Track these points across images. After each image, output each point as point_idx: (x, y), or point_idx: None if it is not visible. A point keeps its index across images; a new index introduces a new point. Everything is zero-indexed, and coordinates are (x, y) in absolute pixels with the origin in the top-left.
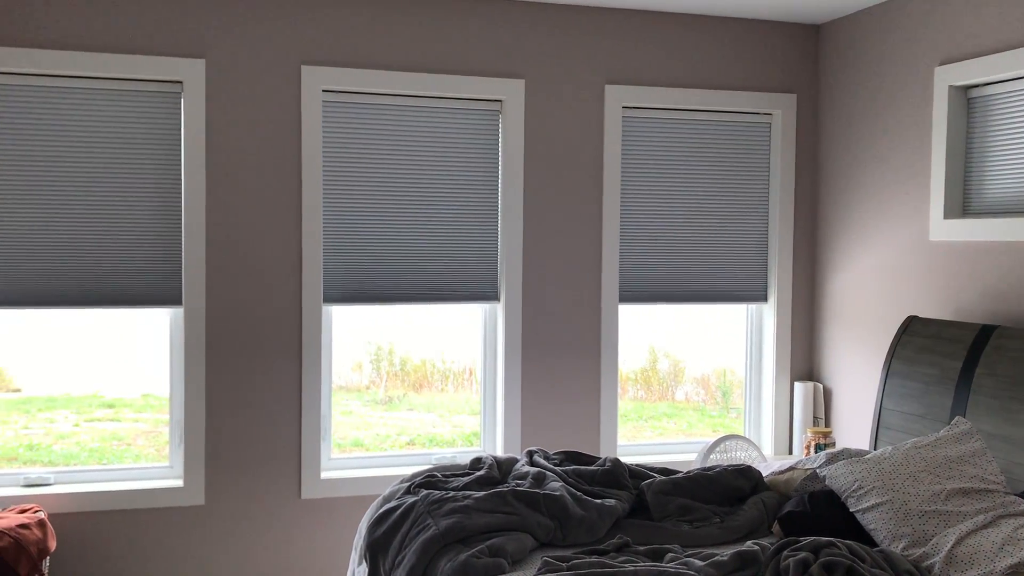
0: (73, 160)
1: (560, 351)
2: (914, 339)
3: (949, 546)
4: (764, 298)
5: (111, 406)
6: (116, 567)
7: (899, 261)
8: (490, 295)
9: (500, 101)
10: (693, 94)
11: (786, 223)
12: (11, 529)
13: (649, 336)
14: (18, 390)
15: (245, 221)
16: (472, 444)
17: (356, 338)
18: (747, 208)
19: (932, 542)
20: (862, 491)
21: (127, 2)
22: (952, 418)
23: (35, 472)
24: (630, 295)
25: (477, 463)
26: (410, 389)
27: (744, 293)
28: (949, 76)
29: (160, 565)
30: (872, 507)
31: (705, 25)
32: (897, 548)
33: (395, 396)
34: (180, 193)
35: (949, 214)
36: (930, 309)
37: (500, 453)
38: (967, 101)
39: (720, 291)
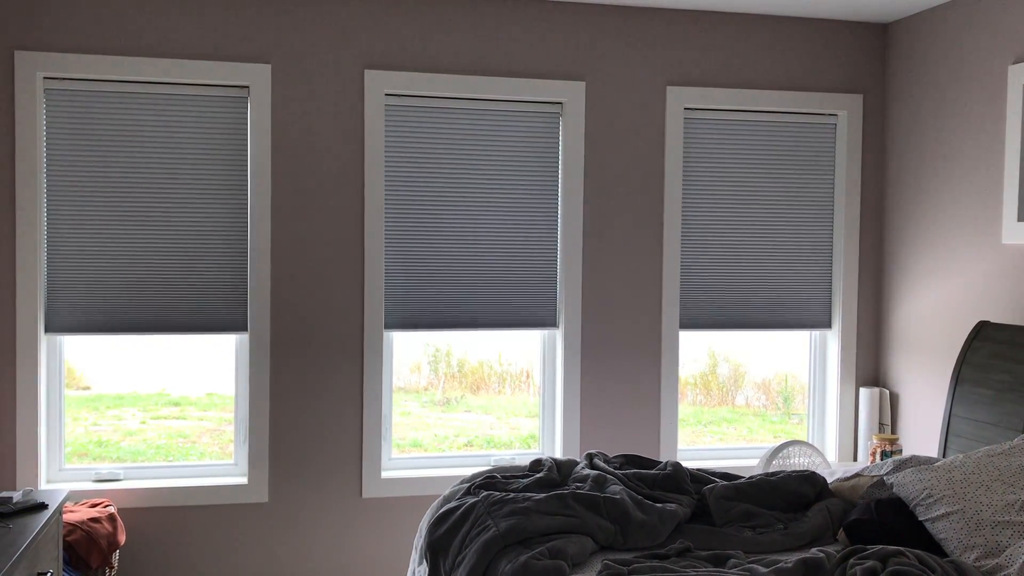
0: (142, 169)
1: (619, 357)
2: (986, 345)
3: None
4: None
5: (177, 404)
6: (183, 561)
7: (969, 265)
8: (548, 321)
9: (560, 104)
10: (756, 95)
11: (852, 227)
12: (83, 523)
13: (709, 340)
14: (88, 388)
15: (308, 237)
16: (530, 446)
17: (414, 340)
18: (811, 215)
19: (1006, 553)
20: (932, 499)
21: (194, 8)
22: None
23: (106, 468)
24: (690, 323)
25: (537, 465)
26: (467, 390)
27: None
28: (1023, 75)
29: (225, 560)
30: (942, 516)
31: (769, 25)
32: (969, 559)
33: (453, 397)
34: (247, 205)
35: (1023, 216)
36: (1002, 314)
37: (559, 455)
38: None
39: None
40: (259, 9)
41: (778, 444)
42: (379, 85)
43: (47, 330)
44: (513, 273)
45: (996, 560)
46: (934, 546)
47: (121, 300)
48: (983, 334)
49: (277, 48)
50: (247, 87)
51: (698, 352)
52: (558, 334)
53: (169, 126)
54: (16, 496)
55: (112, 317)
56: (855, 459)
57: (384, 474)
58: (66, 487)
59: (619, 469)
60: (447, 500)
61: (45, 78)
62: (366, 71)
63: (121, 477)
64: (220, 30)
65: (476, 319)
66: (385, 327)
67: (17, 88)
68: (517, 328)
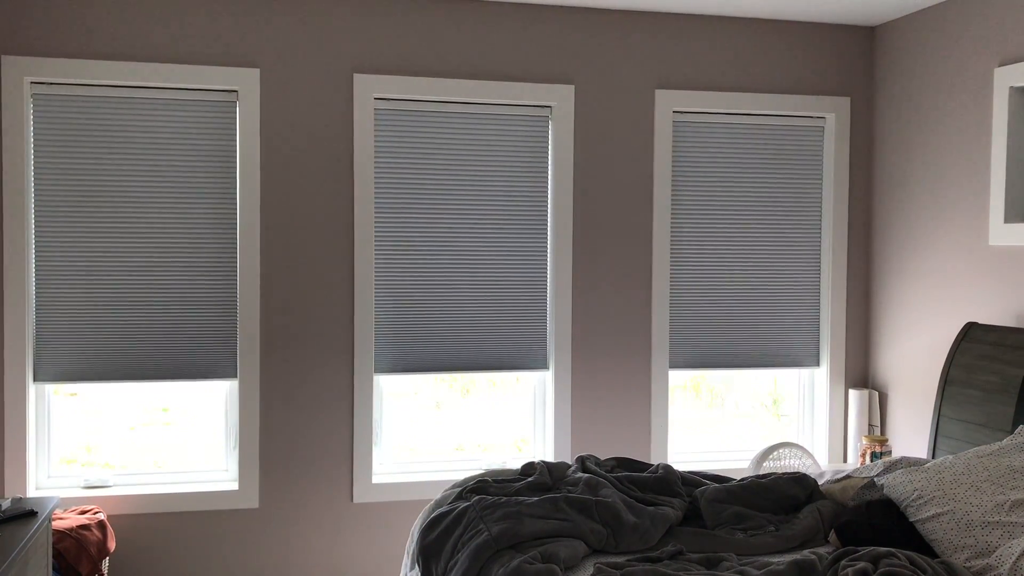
0: (130, 176)
1: (611, 354)
2: (974, 346)
3: (1014, 558)
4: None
5: (166, 410)
6: (173, 568)
7: (957, 266)
8: (539, 363)
9: (550, 107)
10: (745, 98)
11: (840, 228)
12: (72, 530)
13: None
14: (75, 394)
15: (298, 254)
16: (520, 450)
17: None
18: (799, 217)
19: (996, 554)
20: (922, 500)
21: (182, 12)
22: (1015, 427)
23: (95, 474)
24: (680, 361)
25: (529, 469)
26: (458, 394)
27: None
28: (1009, 77)
29: (216, 566)
30: (932, 517)
31: (757, 28)
32: (959, 559)
33: (443, 401)
34: (235, 214)
35: (1010, 218)
36: (990, 315)
37: (550, 459)
38: None
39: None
40: (247, 13)
41: (768, 446)
42: (368, 89)
43: (35, 379)
44: (503, 308)
45: (986, 560)
46: (925, 547)
47: (109, 344)
48: (971, 335)
49: (266, 52)
50: (236, 91)
51: None
52: (548, 376)
53: (158, 130)
54: (5, 504)
55: (100, 364)
56: (845, 460)
57: (375, 479)
58: (55, 494)
59: (611, 472)
60: (439, 504)
61: (32, 83)
62: (355, 75)
63: (110, 483)
64: (208, 34)
65: (467, 362)
66: (376, 371)
67: (4, 93)
68: (508, 371)
